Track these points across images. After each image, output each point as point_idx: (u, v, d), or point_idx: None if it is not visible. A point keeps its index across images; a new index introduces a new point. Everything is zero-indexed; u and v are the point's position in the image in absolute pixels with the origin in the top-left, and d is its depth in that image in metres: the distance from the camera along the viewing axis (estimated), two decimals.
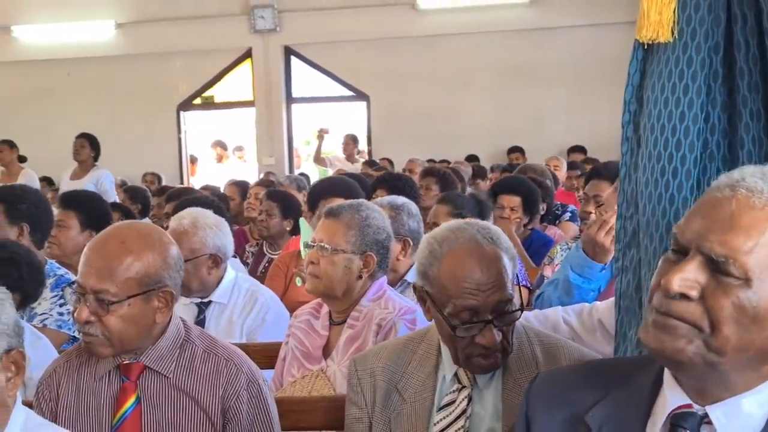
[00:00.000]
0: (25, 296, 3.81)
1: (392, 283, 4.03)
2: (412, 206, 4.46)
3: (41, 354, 3.47)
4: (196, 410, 2.71)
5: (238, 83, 15.39)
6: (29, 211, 4.84)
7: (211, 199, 5.95)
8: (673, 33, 2.13)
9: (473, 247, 2.54)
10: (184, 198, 6.20)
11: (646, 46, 2.22)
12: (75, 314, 2.65)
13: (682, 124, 2.12)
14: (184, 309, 4.18)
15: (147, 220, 8.24)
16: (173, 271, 2.72)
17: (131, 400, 2.72)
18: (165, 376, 2.72)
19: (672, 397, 1.78)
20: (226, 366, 2.74)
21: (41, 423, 2.34)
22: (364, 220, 3.55)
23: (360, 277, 3.51)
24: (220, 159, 15.64)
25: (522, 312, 2.58)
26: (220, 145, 15.72)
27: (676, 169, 2.12)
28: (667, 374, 1.81)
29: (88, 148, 10.02)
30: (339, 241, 3.51)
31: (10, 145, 10.61)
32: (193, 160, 15.81)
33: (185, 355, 2.75)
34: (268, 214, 6.34)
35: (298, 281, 4.87)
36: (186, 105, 15.48)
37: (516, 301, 2.54)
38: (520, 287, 2.62)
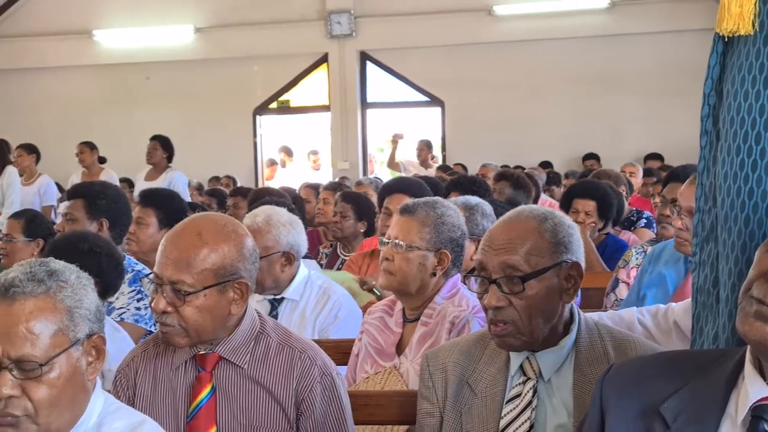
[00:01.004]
0: (105, 288, 3.86)
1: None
2: (486, 206, 4.45)
3: (119, 346, 3.52)
4: (271, 401, 2.73)
5: (314, 88, 15.49)
6: (108, 207, 4.94)
7: (285, 200, 6.00)
8: (753, 25, 2.11)
9: (511, 213, 2.66)
10: (255, 195, 6.24)
11: (726, 39, 2.20)
12: (152, 304, 2.69)
13: (761, 117, 2.09)
14: (257, 305, 4.20)
15: None
16: (248, 263, 2.74)
17: (206, 390, 2.75)
18: (240, 367, 2.74)
19: (754, 389, 1.76)
20: (300, 358, 2.75)
21: (119, 407, 2.38)
22: (440, 218, 3.56)
23: (434, 274, 3.52)
24: (284, 164, 15.81)
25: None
26: (285, 150, 15.87)
27: (755, 162, 2.10)
28: (748, 367, 1.79)
29: (160, 150, 10.18)
30: (414, 238, 3.52)
31: (91, 146, 10.81)
32: (273, 163, 15.91)
33: (260, 346, 2.77)
34: (342, 216, 6.36)
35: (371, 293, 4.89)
36: (262, 109, 15.62)
37: (535, 284, 2.54)
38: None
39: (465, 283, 2.56)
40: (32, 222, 5.30)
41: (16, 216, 5.47)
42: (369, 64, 15.36)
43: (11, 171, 9.24)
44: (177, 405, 2.77)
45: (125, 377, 2.87)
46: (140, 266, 4.62)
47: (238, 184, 12.76)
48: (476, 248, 4.15)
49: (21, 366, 2.15)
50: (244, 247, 2.73)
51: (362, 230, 6.35)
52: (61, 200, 11.04)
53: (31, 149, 10.53)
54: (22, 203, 8.59)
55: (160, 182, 9.48)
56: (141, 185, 9.31)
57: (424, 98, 15.29)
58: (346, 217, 6.35)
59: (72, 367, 2.21)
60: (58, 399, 2.19)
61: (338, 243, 6.56)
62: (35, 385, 2.16)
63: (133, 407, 2.70)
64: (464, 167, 12.71)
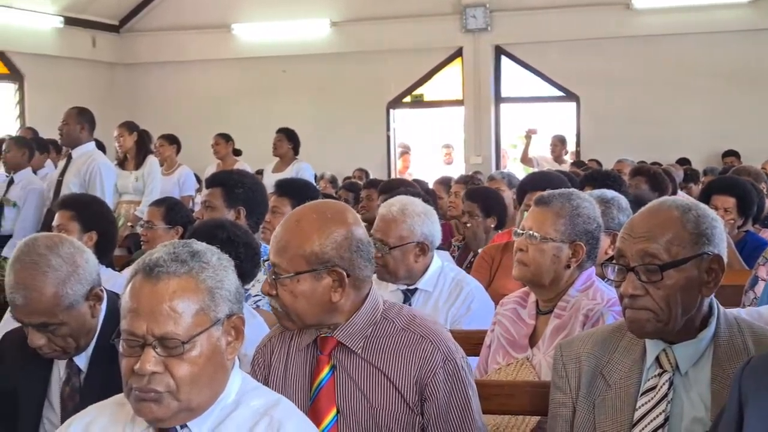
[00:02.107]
0: (241, 276, 3.93)
1: (602, 277, 3.97)
2: (622, 200, 4.39)
3: (255, 332, 3.58)
4: (388, 386, 2.75)
5: (448, 82, 15.48)
6: (246, 196, 5.04)
7: (419, 191, 6.01)
8: None
9: (654, 203, 2.64)
10: (388, 186, 6.25)
11: None
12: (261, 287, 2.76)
13: None
14: (390, 295, 4.24)
15: None
16: (346, 252, 2.74)
17: (325, 371, 2.80)
18: (354, 352, 2.77)
19: None
20: (421, 344, 2.75)
21: (256, 386, 2.43)
22: (575, 209, 3.52)
23: (568, 266, 3.49)
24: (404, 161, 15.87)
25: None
26: (403, 147, 15.92)
27: None
28: None
29: (285, 142, 10.33)
30: (548, 230, 3.50)
31: (226, 138, 11.02)
32: (406, 150, 15.95)
33: (379, 332, 2.79)
34: (469, 215, 6.29)
35: None
36: (396, 103, 15.68)
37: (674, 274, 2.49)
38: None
39: (601, 272, 2.52)
40: (172, 210, 5.44)
41: (156, 204, 5.62)
42: (503, 58, 15.28)
43: (152, 161, 9.47)
44: (303, 384, 2.83)
45: (262, 357, 2.94)
46: None
47: (370, 177, 12.84)
48: (611, 242, 4.11)
49: (164, 343, 2.21)
50: (342, 236, 2.74)
51: (492, 225, 6.28)
52: (199, 191, 11.30)
53: (172, 140, 10.78)
54: (162, 192, 8.79)
55: (287, 174, 9.60)
56: (269, 177, 9.44)
57: (559, 93, 15.14)
58: (473, 215, 6.27)
59: (212, 346, 2.26)
60: (198, 376, 2.24)
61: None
62: (177, 363, 2.22)
63: (268, 385, 2.76)
64: (599, 163, 12.54)
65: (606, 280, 3.80)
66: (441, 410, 2.73)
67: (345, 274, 2.72)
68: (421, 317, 2.86)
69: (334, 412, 2.76)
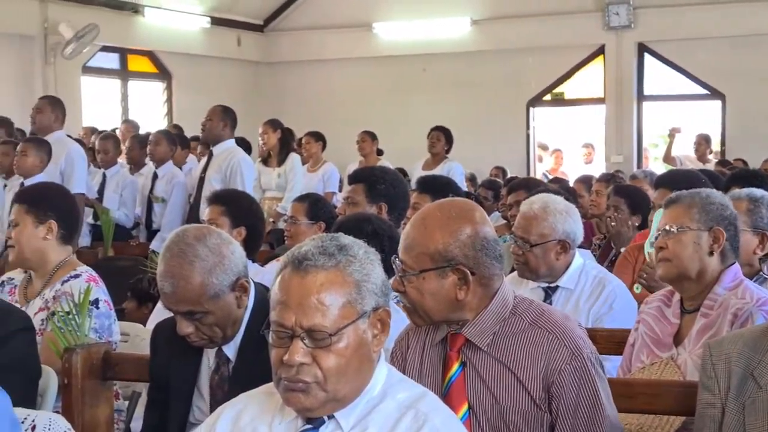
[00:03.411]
0: (387, 269, 3.97)
1: (748, 277, 3.89)
2: None
3: (398, 326, 3.60)
4: (515, 383, 2.75)
5: (589, 80, 15.30)
6: (387, 192, 5.10)
7: (560, 190, 5.97)
8: None
9: None
10: (528, 184, 6.24)
11: None
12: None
13: None
14: (530, 293, 4.22)
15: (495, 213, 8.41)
16: (471, 250, 2.75)
17: (454, 368, 2.82)
18: (481, 348, 2.79)
19: None
20: (548, 339, 2.74)
21: (402, 379, 2.46)
22: (705, 198, 3.48)
23: (711, 253, 3.43)
24: (540, 159, 15.73)
25: None
26: (541, 146, 15.81)
27: None
28: None
29: (443, 140, 10.39)
30: (683, 220, 3.45)
31: (372, 136, 11.13)
32: (544, 147, 15.84)
33: (507, 329, 2.79)
34: (615, 210, 6.25)
35: (637, 288, 4.80)
36: (536, 101, 15.57)
37: None
38: None
39: (749, 272, 2.46)
40: (315, 205, 5.54)
41: (300, 199, 5.73)
42: (647, 56, 15.02)
43: (294, 158, 9.63)
44: (436, 378, 2.85)
45: (399, 350, 3.00)
46: None
47: (509, 176, 12.80)
48: (759, 241, 4.01)
49: (312, 335, 2.26)
50: (467, 235, 2.76)
51: (636, 224, 6.22)
52: (341, 188, 11.44)
53: (318, 137, 10.92)
54: (307, 189, 8.93)
55: (437, 171, 9.64)
56: (418, 174, 9.50)
57: (704, 91, 14.81)
58: (619, 210, 6.23)
59: (359, 338, 2.30)
60: (345, 368, 2.28)
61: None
62: (325, 354, 2.26)
63: None
64: (745, 163, 12.22)
65: (755, 279, 3.73)
66: (569, 407, 2.71)
67: (469, 272, 2.74)
68: (549, 312, 2.86)
69: (465, 407, 2.79)
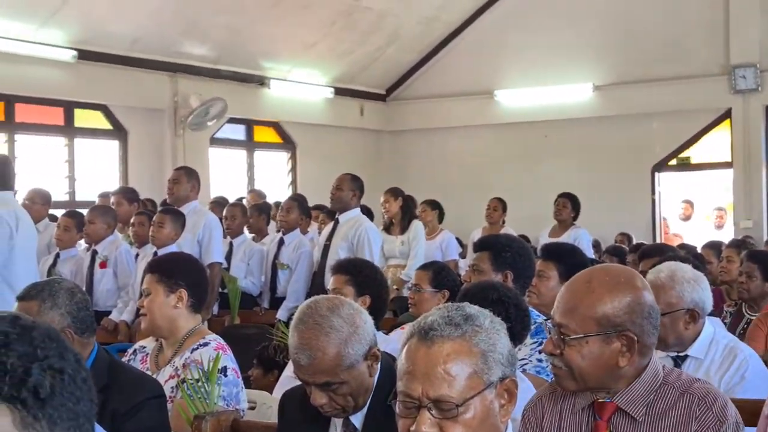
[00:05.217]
0: (511, 338, 3.97)
1: None
2: None
3: (523, 396, 3.56)
4: None
5: (716, 144, 15.03)
6: (513, 260, 5.09)
7: (688, 257, 5.88)
8: None
9: None
10: (654, 251, 6.15)
11: None
12: (543, 346, 2.78)
13: None
14: (658, 362, 4.14)
15: None
16: (639, 317, 2.73)
17: None
18: (635, 419, 2.74)
19: None
20: (698, 405, 2.70)
21: None
22: None
23: None
24: (687, 218, 15.47)
25: None
26: (688, 202, 15.56)
27: None
28: None
29: (569, 207, 10.33)
30: None
31: (503, 205, 11.11)
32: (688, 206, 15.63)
33: (660, 399, 2.76)
34: (748, 276, 6.12)
35: None
36: (661, 166, 15.35)
37: None
38: None
39: None
40: (439, 273, 5.56)
41: (424, 267, 5.75)
42: None
43: (417, 225, 9.69)
44: None
45: (534, 416, 2.96)
46: (542, 318, 4.69)
47: (634, 242, 12.63)
48: None
49: (439, 406, 2.26)
50: (636, 301, 2.74)
51: None
52: (461, 255, 11.43)
53: (434, 205, 10.97)
54: (425, 257, 8.98)
55: (564, 239, 9.59)
56: (545, 241, 9.46)
57: None
58: (752, 277, 6.10)
59: (486, 409, 2.30)
60: None
61: (743, 303, 6.32)
62: (452, 425, 2.27)
63: None
64: None
65: None
66: None
67: (636, 339, 2.71)
68: (700, 381, 2.82)
69: None
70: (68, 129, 12.56)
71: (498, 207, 11.12)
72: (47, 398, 1.32)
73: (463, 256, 11.72)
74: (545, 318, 4.70)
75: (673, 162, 15.35)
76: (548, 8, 15.43)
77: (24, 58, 11.17)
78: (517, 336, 4.05)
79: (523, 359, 4.44)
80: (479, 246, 5.36)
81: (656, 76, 14.71)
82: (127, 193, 9.70)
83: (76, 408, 1.35)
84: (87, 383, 1.39)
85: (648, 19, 14.78)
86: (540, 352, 4.47)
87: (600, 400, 2.79)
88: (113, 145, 13.13)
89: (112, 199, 9.71)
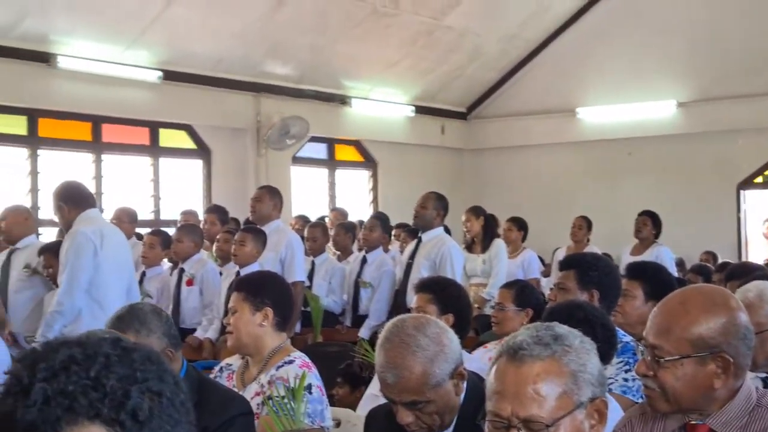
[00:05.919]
0: (601, 358, 3.95)
1: None
2: None
3: (611, 416, 3.57)
4: None
5: None
6: (599, 279, 5.04)
7: None
8: None
9: None
10: (740, 270, 6.05)
11: None
12: (637, 367, 2.75)
13: None
14: (748, 383, 4.08)
15: None
16: (734, 339, 2.68)
17: None
18: None
19: None
20: None
21: None
22: None
23: None
24: None
25: None
26: None
27: None
28: None
29: (650, 225, 10.23)
30: None
31: (589, 224, 11.04)
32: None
33: (754, 422, 2.71)
34: None
35: None
36: (747, 183, 15.12)
37: None
38: None
39: None
40: (523, 292, 5.54)
41: (507, 286, 5.74)
42: None
43: (499, 243, 9.66)
44: None
45: None
46: (628, 338, 4.65)
47: (719, 261, 12.44)
48: None
49: (529, 426, 2.26)
50: (731, 322, 2.69)
51: None
52: (543, 274, 11.37)
53: (519, 224, 10.92)
54: (507, 275, 8.95)
55: (645, 257, 9.49)
56: (627, 259, 9.38)
57: None
58: None
59: (576, 429, 2.29)
60: None
61: None
62: None
63: None
64: None
65: None
66: None
67: (731, 361, 2.68)
68: None
69: None
70: (153, 148, 12.79)
71: (583, 225, 11.05)
72: (145, 421, 1.32)
73: (545, 274, 11.66)
74: (631, 338, 4.66)
75: (759, 179, 15.10)
76: (630, 25, 15.32)
77: (111, 79, 11.39)
78: (604, 356, 3.98)
79: (609, 378, 4.39)
80: (565, 264, 5.32)
81: (741, 93, 14.50)
82: (220, 214, 9.83)
83: (173, 431, 1.36)
84: (185, 406, 1.40)
85: (733, 35, 14.58)
86: (626, 372, 4.43)
87: (692, 422, 2.76)
88: (197, 164, 13.34)
89: (204, 218, 9.83)
